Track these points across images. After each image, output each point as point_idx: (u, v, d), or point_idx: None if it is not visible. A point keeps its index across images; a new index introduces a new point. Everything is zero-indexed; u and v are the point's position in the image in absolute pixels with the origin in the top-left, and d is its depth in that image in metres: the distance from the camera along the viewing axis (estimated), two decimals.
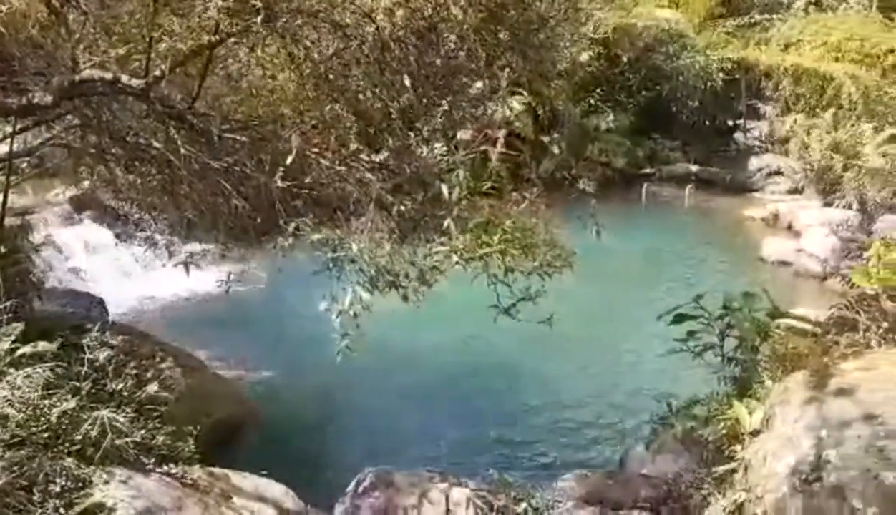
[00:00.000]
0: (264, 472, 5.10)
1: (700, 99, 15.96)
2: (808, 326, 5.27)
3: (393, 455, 5.39)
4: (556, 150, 15.80)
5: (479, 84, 4.74)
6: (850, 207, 11.66)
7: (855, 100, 14.54)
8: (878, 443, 3.36)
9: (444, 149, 3.80)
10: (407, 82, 3.89)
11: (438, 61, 4.54)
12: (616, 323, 8.62)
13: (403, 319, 5.32)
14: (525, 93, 14.51)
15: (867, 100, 14.66)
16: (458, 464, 5.40)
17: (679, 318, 5.30)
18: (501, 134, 3.63)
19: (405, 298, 4.11)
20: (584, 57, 15.54)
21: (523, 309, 4.09)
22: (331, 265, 3.73)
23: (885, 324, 4.49)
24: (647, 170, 16.27)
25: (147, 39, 3.92)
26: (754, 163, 15.48)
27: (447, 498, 4.35)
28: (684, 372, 5.82)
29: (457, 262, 3.54)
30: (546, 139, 15.89)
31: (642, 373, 6.78)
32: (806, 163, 13.62)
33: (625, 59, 16.15)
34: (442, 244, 3.49)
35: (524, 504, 4.34)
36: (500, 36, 4.54)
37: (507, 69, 4.85)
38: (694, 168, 15.91)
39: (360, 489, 4.57)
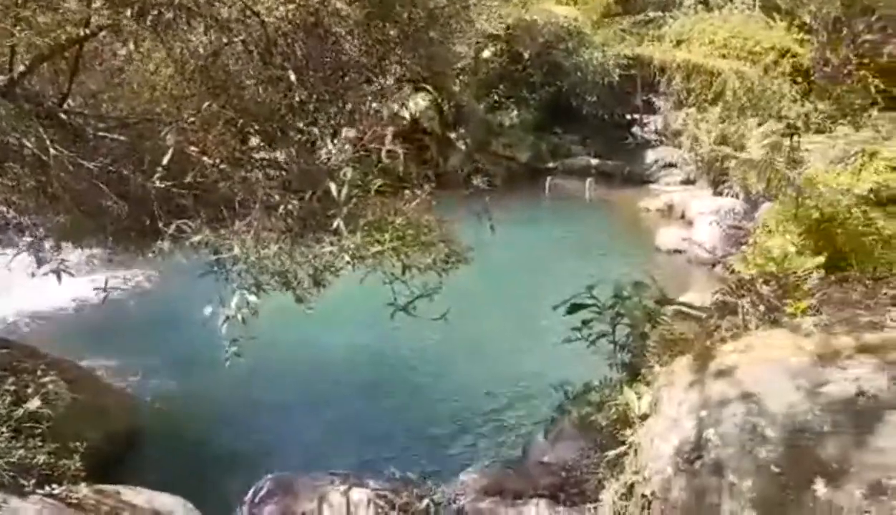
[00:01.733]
0: (159, 485, 4.90)
1: (598, 94, 16.53)
2: (693, 312, 5.53)
3: (294, 459, 5.30)
4: (462, 146, 16.01)
5: (374, 80, 4.72)
6: (736, 197, 12.36)
7: (740, 95, 15.41)
8: (753, 421, 3.55)
9: (335, 146, 3.73)
10: (292, 77, 3.79)
11: (327, 56, 4.48)
12: (518, 313, 8.77)
13: (302, 319, 5.23)
14: (430, 89, 14.59)
15: (751, 95, 15.57)
16: (362, 464, 5.36)
17: (573, 308, 5.44)
18: (389, 131, 3.58)
19: (299, 300, 4.04)
20: (487, 53, 15.80)
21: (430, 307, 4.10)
22: (216, 268, 3.60)
23: (761, 308, 4.75)
24: (551, 164, 16.71)
25: (10, 32, 3.65)
26: (650, 155, 16.18)
27: (348, 500, 4.30)
28: (583, 360, 5.98)
29: (348, 262, 3.49)
30: (452, 135, 16.06)
31: (543, 362, 6.93)
32: (697, 155, 14.35)
33: (526, 56, 16.50)
34: (332, 243, 3.42)
35: (426, 501, 4.35)
36: (390, 32, 4.52)
37: (400, 65, 4.85)
38: (594, 161, 16.45)
39: (258, 496, 4.46)
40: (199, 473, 5.50)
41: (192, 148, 3.51)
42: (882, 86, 16.83)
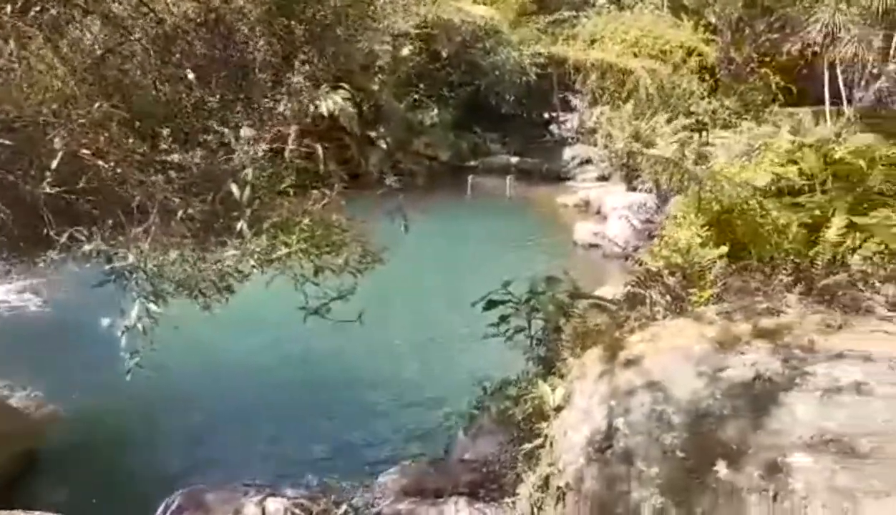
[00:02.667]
0: (63, 507, 4.66)
1: (516, 93, 16.78)
2: (605, 304, 5.67)
3: (206, 471, 5.12)
4: (382, 145, 15.92)
5: (281, 78, 4.61)
6: (649, 192, 12.79)
7: (651, 92, 15.96)
8: (659, 408, 3.68)
9: (238, 146, 3.62)
10: (191, 76, 3.65)
11: (231, 55, 4.34)
12: (439, 311, 8.80)
13: (217, 326, 5.08)
14: (347, 87, 14.43)
15: (662, 93, 16.15)
16: (278, 473, 5.24)
17: (491, 304, 5.49)
18: (293, 130, 3.51)
19: (206, 307, 3.91)
20: (405, 52, 15.76)
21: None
22: (114, 277, 3.44)
23: (668, 298, 4.93)
24: (472, 163, 16.84)
25: None
26: (567, 152, 16.54)
27: (263, 511, 4.20)
28: (503, 355, 6.04)
29: (253, 266, 3.39)
30: (372, 134, 15.94)
31: (466, 359, 6.97)
32: (611, 151, 14.76)
33: (444, 55, 16.57)
34: (236, 247, 3.31)
35: (344, 506, 4.30)
36: (296, 30, 4.43)
37: (308, 64, 4.75)
38: (514, 159, 16.68)
39: (169, 512, 4.29)
40: (107, 491, 5.26)
41: (85, 151, 3.32)
42: (782, 83, 17.78)
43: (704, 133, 15.49)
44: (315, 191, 3.80)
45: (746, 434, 3.42)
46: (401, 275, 9.19)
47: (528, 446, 4.20)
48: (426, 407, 6.59)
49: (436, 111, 16.54)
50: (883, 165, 5.21)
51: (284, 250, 3.39)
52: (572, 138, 17.19)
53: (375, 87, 15.42)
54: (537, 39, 17.17)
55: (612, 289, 7.36)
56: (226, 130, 4.03)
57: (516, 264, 10.08)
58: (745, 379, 3.61)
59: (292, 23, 4.33)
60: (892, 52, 15.97)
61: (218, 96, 4.16)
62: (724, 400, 3.56)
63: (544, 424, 4.33)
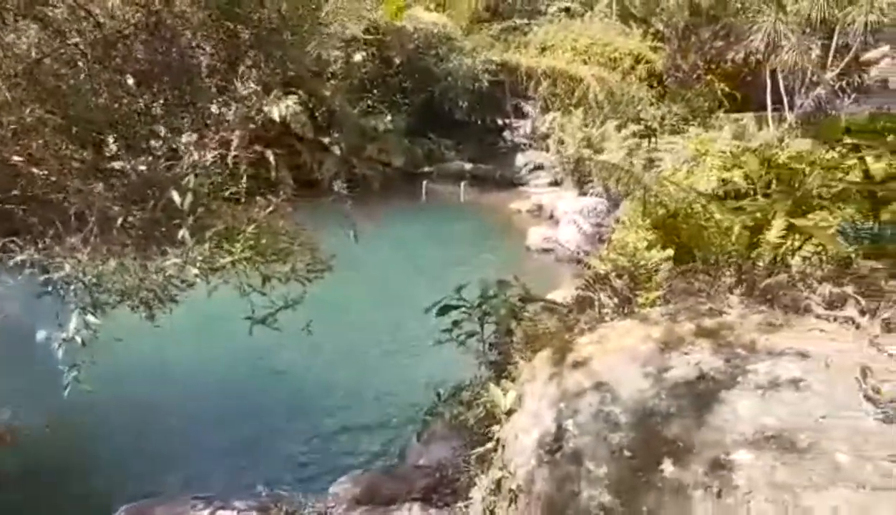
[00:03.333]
0: None
1: (469, 99, 16.88)
2: (556, 307, 5.73)
3: (155, 486, 4.99)
4: (336, 151, 15.83)
5: (227, 84, 4.54)
6: (599, 196, 13.00)
7: (601, 99, 16.25)
8: (606, 408, 3.72)
9: (180, 153, 3.55)
10: (131, 82, 3.57)
11: (173, 60, 4.26)
12: (393, 317, 8.77)
13: (162, 339, 4.96)
14: (300, 93, 14.33)
15: (611, 99, 16.46)
16: (227, 484, 5.14)
17: (444, 310, 5.49)
18: (237, 136, 3.46)
19: (150, 317, 3.81)
20: (358, 57, 15.71)
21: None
22: (51, 288, 3.33)
23: (615, 300, 5.01)
24: (426, 169, 16.88)
25: None
26: (520, 159, 16.71)
27: None
28: (457, 361, 6.04)
29: (196, 275, 3.32)
30: (326, 139, 15.85)
31: (420, 366, 6.95)
32: (563, 157, 14.97)
33: (397, 61, 16.58)
34: (177, 256, 3.24)
35: None
36: (241, 34, 4.37)
37: (255, 69, 4.70)
38: (468, 165, 16.78)
39: None
40: (55, 510, 5.07)
41: (17, 158, 3.22)
42: (727, 90, 18.28)
43: (653, 139, 15.84)
44: (260, 198, 3.74)
45: (691, 432, 3.48)
46: (354, 282, 9.15)
47: (480, 450, 4.20)
48: (379, 414, 6.56)
49: (389, 117, 16.52)
50: (820, 169, 5.40)
51: (228, 258, 3.33)
52: (525, 144, 17.38)
53: (328, 93, 15.33)
54: (490, 46, 17.33)
55: (564, 293, 7.44)
56: (168, 136, 3.96)
57: (470, 269, 10.11)
58: (689, 379, 3.69)
59: (237, 27, 4.28)
60: (829, 60, 16.61)
61: (161, 102, 4.08)
62: (669, 400, 3.62)
63: (496, 427, 4.35)
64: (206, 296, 3.82)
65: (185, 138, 3.59)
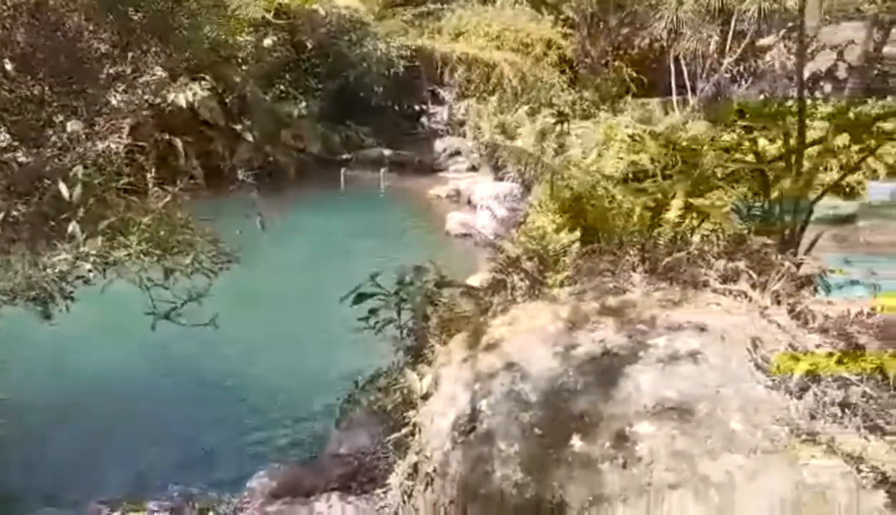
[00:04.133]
0: None
1: (385, 85, 16.75)
2: (472, 291, 5.80)
3: (60, 494, 4.75)
4: (249, 138, 15.41)
5: (120, 69, 4.33)
6: (515, 181, 13.21)
7: (515, 85, 16.47)
8: (517, 388, 3.80)
9: (66, 141, 3.36)
10: (9, 67, 3.35)
11: (60, 44, 4.03)
12: (311, 307, 8.65)
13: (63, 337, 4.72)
14: (208, 78, 13.85)
15: (524, 85, 16.70)
16: (137, 485, 4.96)
17: (360, 298, 5.46)
18: (127, 123, 3.30)
19: (47, 316, 3.62)
20: (268, 42, 15.31)
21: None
22: None
23: (526, 282, 5.11)
24: (344, 155, 16.68)
25: None
26: (438, 145, 16.76)
27: None
28: (376, 349, 6.02)
29: (90, 270, 3.17)
30: (238, 127, 15.40)
31: (338, 355, 6.89)
32: (479, 143, 15.11)
33: (309, 46, 16.26)
34: (68, 251, 3.08)
35: (210, 514, 4.14)
36: (133, 17, 4.17)
37: (152, 53, 4.50)
38: (387, 152, 16.69)
39: None
40: None
41: None
42: (634, 75, 18.87)
43: (566, 123, 16.17)
44: (157, 189, 3.59)
45: (597, 406, 3.60)
46: (266, 273, 8.98)
47: (397, 435, 4.22)
48: (295, 405, 6.47)
49: (304, 103, 16.22)
50: (715, 151, 5.67)
51: (124, 252, 3.18)
52: (443, 130, 17.44)
53: (238, 79, 14.88)
54: (404, 32, 17.23)
55: (482, 276, 7.55)
56: (57, 125, 3.74)
57: (390, 256, 10.09)
58: (594, 355, 3.81)
59: (128, 9, 4.08)
60: (727, 46, 17.42)
61: (46, 88, 3.85)
62: (576, 376, 3.73)
63: (412, 412, 4.38)
64: (101, 292, 3.67)
65: (70, 126, 3.40)
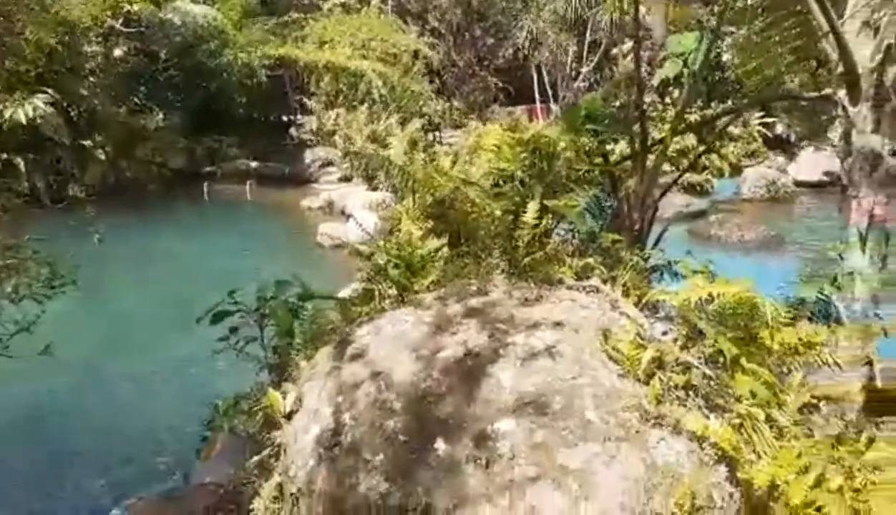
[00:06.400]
0: None
1: (249, 95, 16.26)
2: (342, 302, 5.69)
3: None
4: (101, 154, 14.45)
5: None
6: (387, 190, 13.17)
7: (384, 94, 16.48)
8: (382, 397, 3.76)
9: None
10: None
11: None
12: (170, 331, 8.19)
13: None
14: (51, 92, 12.86)
15: (393, 95, 16.77)
16: None
17: (218, 317, 5.22)
18: None
19: None
20: (118, 52, 14.45)
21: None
22: None
23: (392, 291, 5.09)
24: (208, 169, 16.03)
25: None
26: (308, 155, 16.47)
27: None
28: (238, 370, 5.78)
29: None
30: (88, 143, 14.40)
31: (199, 380, 6.55)
32: (350, 153, 14.98)
33: (163, 56, 15.51)
34: None
35: None
36: None
37: None
38: (254, 164, 16.20)
39: None
40: None
41: None
42: (500, 84, 19.44)
43: (438, 132, 16.39)
44: None
45: (461, 408, 3.62)
46: (125, 297, 8.42)
47: (256, 458, 4.05)
48: (159, 436, 6.08)
49: (161, 115, 15.43)
50: (567, 154, 5.90)
51: None
52: (312, 140, 17.15)
53: (86, 92, 13.90)
54: (266, 41, 16.80)
55: (355, 286, 7.44)
56: None
57: (257, 272, 9.77)
58: (457, 357, 3.84)
59: None
60: (584, 55, 18.36)
61: None
62: (440, 379, 3.74)
63: (277, 432, 4.22)
64: None
65: None
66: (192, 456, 5.47)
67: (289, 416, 4.22)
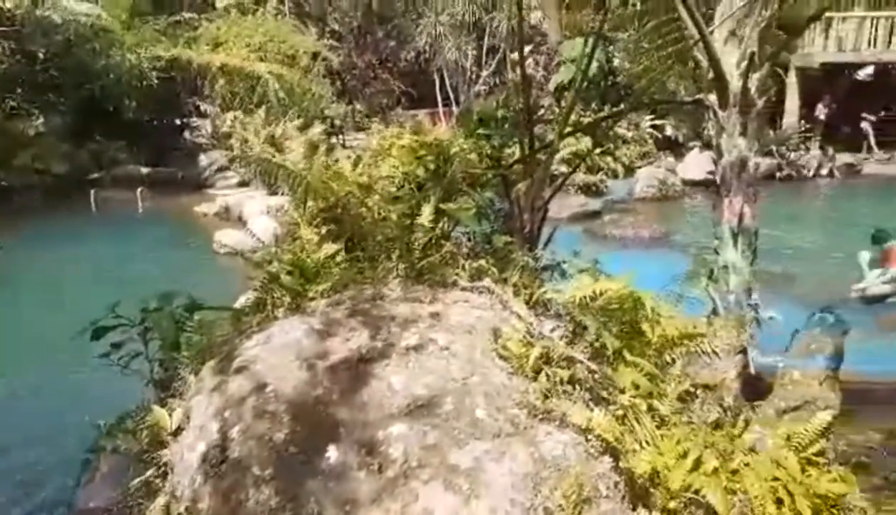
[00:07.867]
0: None
1: (138, 98, 15.54)
2: (234, 312, 5.51)
3: None
4: None
5: None
6: (286, 194, 12.90)
7: (282, 97, 16.16)
8: (270, 408, 3.66)
9: None
10: None
11: None
12: (46, 348, 7.68)
13: None
14: None
15: (292, 97, 16.46)
16: None
17: (99, 332, 4.95)
18: None
19: None
20: None
21: None
22: None
23: (287, 299, 4.97)
24: (95, 175, 15.19)
25: None
26: (204, 159, 15.93)
27: None
28: (122, 387, 5.48)
29: None
30: None
31: (79, 399, 6.18)
32: (247, 156, 14.57)
33: (41, 56, 14.59)
34: None
35: None
36: None
37: None
38: (145, 169, 15.51)
39: None
40: None
41: None
42: (402, 87, 19.47)
43: (340, 135, 16.21)
44: None
45: (352, 414, 3.58)
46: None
47: (139, 479, 3.86)
48: (31, 464, 5.68)
49: (42, 119, 14.51)
50: (461, 157, 5.96)
51: None
52: (207, 144, 16.58)
53: None
54: (156, 41, 16.10)
55: (248, 296, 7.22)
56: None
57: (146, 283, 9.33)
58: (348, 362, 3.80)
59: None
60: (483, 59, 18.67)
61: None
62: (330, 386, 3.69)
63: (164, 450, 4.04)
64: None
65: None
66: (75, 482, 5.17)
67: (175, 433, 4.04)
